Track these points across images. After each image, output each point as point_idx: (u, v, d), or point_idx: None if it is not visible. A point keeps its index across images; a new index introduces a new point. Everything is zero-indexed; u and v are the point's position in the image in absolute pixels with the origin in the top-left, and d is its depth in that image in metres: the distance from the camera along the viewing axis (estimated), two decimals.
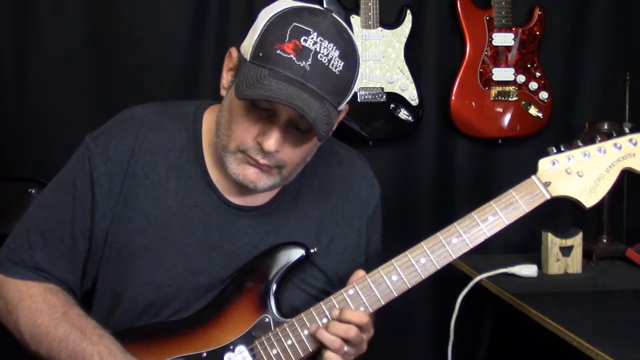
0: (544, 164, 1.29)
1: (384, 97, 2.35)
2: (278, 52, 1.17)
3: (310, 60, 1.17)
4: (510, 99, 2.41)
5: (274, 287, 1.30)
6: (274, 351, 1.28)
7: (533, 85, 2.42)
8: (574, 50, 2.51)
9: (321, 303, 1.28)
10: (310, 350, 1.28)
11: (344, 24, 1.24)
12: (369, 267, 1.34)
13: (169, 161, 1.32)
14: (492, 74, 2.40)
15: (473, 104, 2.41)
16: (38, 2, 2.25)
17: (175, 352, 1.29)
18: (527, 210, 1.28)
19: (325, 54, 1.18)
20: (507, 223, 1.29)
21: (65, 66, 2.28)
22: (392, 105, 2.36)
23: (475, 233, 1.28)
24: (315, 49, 1.17)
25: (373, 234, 1.46)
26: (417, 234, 1.36)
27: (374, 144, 2.36)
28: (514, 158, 2.48)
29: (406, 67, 2.36)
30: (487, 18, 2.40)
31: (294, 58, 1.17)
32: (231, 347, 1.29)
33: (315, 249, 1.32)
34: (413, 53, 2.38)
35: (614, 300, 1.83)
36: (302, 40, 1.17)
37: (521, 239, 2.24)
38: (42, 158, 2.26)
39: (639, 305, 1.79)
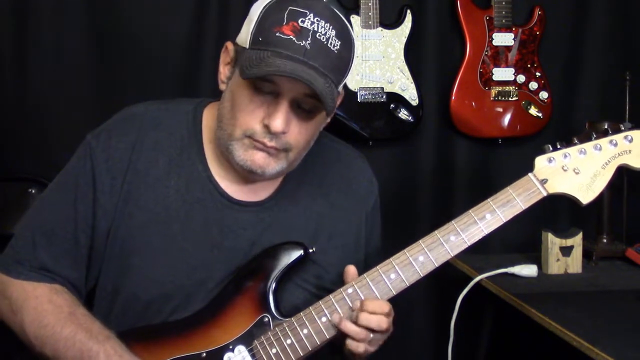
0: (540, 161, 1.29)
1: (384, 97, 2.35)
2: (277, 34, 1.19)
3: (309, 39, 1.20)
4: (510, 99, 2.41)
5: (273, 286, 1.30)
6: (274, 350, 1.28)
7: (533, 85, 2.42)
8: (574, 50, 2.51)
9: (320, 302, 1.29)
10: (310, 349, 1.28)
11: (335, 9, 1.26)
12: (369, 265, 1.34)
13: (170, 158, 1.33)
14: (492, 74, 2.40)
15: (473, 104, 2.41)
16: (38, 2, 2.26)
17: (175, 352, 1.29)
18: (524, 208, 1.29)
19: (323, 32, 1.20)
20: (505, 220, 1.29)
21: (65, 66, 2.28)
22: (392, 105, 2.36)
23: (473, 231, 1.28)
24: (313, 28, 1.20)
25: (372, 231, 1.46)
26: (416, 234, 1.36)
27: (374, 144, 2.36)
28: (514, 158, 2.47)
29: (406, 67, 2.36)
30: (487, 18, 2.40)
31: (294, 38, 1.19)
32: (231, 347, 1.29)
33: (314, 248, 1.33)
34: (413, 53, 2.38)
35: (614, 300, 1.83)
36: (299, 21, 1.19)
37: (521, 239, 2.25)
38: (42, 158, 2.26)
39: (639, 305, 1.79)
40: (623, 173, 1.32)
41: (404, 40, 2.36)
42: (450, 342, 1.96)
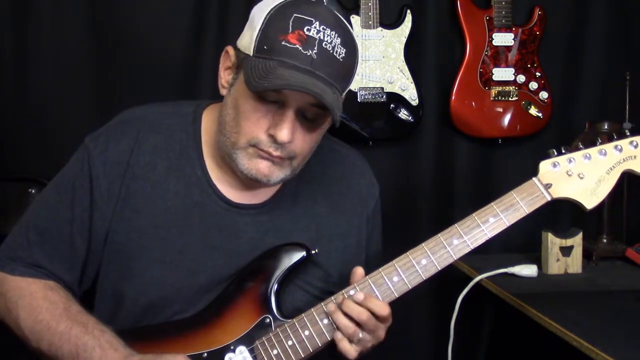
0: (545, 165, 1.29)
1: (384, 97, 2.35)
2: (283, 43, 1.18)
3: (316, 48, 1.19)
4: (510, 99, 2.42)
5: (275, 287, 1.30)
6: (275, 351, 1.28)
7: (533, 85, 2.42)
8: (574, 50, 2.51)
9: (322, 304, 1.29)
10: (311, 350, 1.28)
11: (337, 13, 1.26)
12: (370, 267, 1.34)
13: (169, 161, 1.32)
14: (492, 74, 2.40)
15: (473, 104, 2.41)
16: (38, 2, 2.25)
17: (177, 352, 1.29)
18: (527, 212, 1.29)
19: (329, 41, 1.20)
20: (508, 224, 1.29)
21: (65, 66, 2.28)
22: (392, 105, 2.36)
23: (476, 234, 1.28)
24: (320, 37, 1.19)
25: (373, 232, 1.46)
26: (417, 234, 1.37)
27: (374, 144, 2.36)
28: (514, 158, 2.48)
29: (406, 67, 2.36)
30: (487, 18, 2.40)
31: (300, 48, 1.18)
32: (232, 348, 1.29)
33: (317, 250, 1.32)
34: (413, 53, 2.38)
35: (614, 300, 1.83)
36: (305, 29, 1.19)
37: (521, 239, 2.24)
38: (42, 158, 2.26)
39: (639, 305, 1.79)
40: (623, 173, 1.32)
41: (404, 40, 2.36)
42: (450, 342, 1.96)
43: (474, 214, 1.29)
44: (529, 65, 2.42)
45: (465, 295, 1.91)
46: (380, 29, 2.34)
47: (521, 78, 2.41)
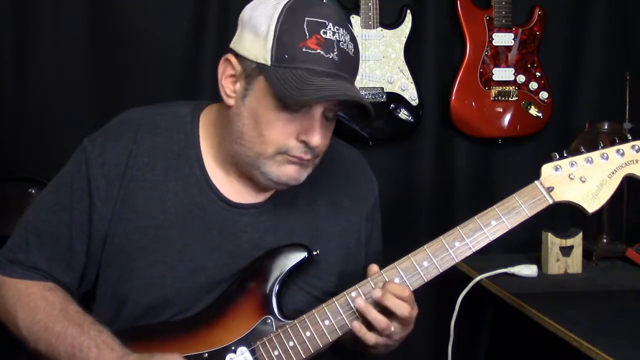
0: (547, 169, 1.29)
1: (384, 97, 2.35)
2: (304, 50, 1.19)
3: (336, 50, 1.20)
4: (510, 99, 2.42)
5: (276, 288, 1.30)
6: (276, 352, 1.28)
7: (533, 85, 2.42)
8: (574, 50, 2.51)
9: (323, 305, 1.29)
10: (312, 351, 1.28)
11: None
12: (368, 265, 1.34)
13: (167, 163, 1.32)
14: (492, 74, 2.41)
15: (473, 104, 2.41)
16: (38, 2, 2.25)
17: (177, 352, 1.28)
18: (529, 215, 1.29)
19: (343, 41, 1.21)
20: (510, 227, 1.29)
21: (65, 66, 2.28)
22: (392, 105, 2.36)
23: (478, 237, 1.28)
24: (336, 38, 1.20)
25: (373, 231, 1.46)
26: (417, 234, 1.37)
27: (374, 144, 2.36)
28: (514, 158, 2.48)
29: (406, 67, 2.36)
30: (487, 18, 2.40)
31: (322, 52, 1.19)
32: (233, 348, 1.29)
33: (318, 251, 1.32)
34: (413, 53, 2.38)
35: (614, 300, 1.83)
36: (321, 33, 1.20)
37: (521, 239, 2.24)
38: (42, 158, 2.26)
39: (639, 305, 1.79)
40: (625, 177, 1.32)
41: (404, 40, 2.36)
42: (450, 342, 1.96)
43: (476, 217, 1.29)
44: (529, 65, 2.42)
45: (465, 295, 1.91)
46: (380, 29, 2.34)
47: (521, 78, 2.41)
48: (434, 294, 2.40)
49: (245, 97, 1.25)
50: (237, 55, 1.25)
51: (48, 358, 1.29)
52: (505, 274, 2.00)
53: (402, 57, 2.36)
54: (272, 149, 1.24)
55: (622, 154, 1.29)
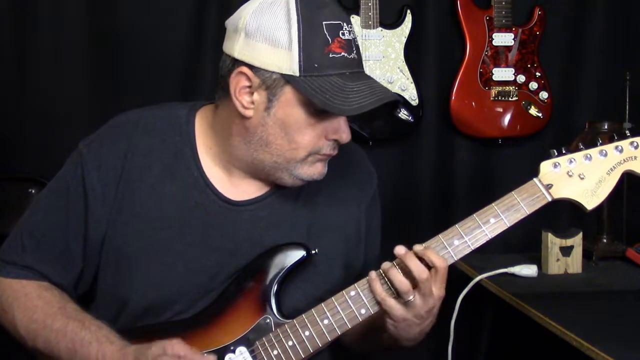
0: (545, 166, 1.29)
1: None
2: (331, 55, 1.21)
3: (354, 49, 1.24)
4: (510, 99, 2.42)
5: (275, 287, 1.30)
6: (275, 352, 1.28)
7: (533, 85, 2.42)
8: (574, 50, 2.51)
9: (322, 304, 1.28)
10: (311, 350, 1.28)
11: None
12: (368, 255, 1.36)
13: (163, 164, 1.32)
14: (492, 74, 2.41)
15: (473, 104, 2.41)
16: (38, 2, 2.25)
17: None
18: (528, 213, 1.28)
19: (354, 37, 1.24)
20: (509, 225, 1.29)
21: (65, 66, 2.28)
22: None
23: (476, 235, 1.28)
24: (352, 37, 1.24)
25: (372, 222, 1.46)
26: (417, 234, 1.36)
27: (374, 144, 2.36)
28: (514, 158, 2.48)
29: (406, 67, 2.36)
30: (487, 18, 2.40)
31: (345, 54, 1.22)
32: (232, 348, 1.29)
33: (316, 250, 1.32)
34: (413, 53, 2.38)
35: (614, 300, 1.83)
36: (340, 35, 1.22)
37: (521, 239, 2.24)
38: (42, 158, 2.26)
39: (639, 305, 1.79)
40: (624, 174, 1.32)
41: (404, 40, 2.36)
42: (450, 342, 1.96)
43: (474, 215, 1.29)
44: (529, 65, 2.42)
45: (465, 295, 1.91)
46: (380, 29, 2.34)
47: (521, 78, 2.41)
48: None
49: (270, 108, 1.24)
50: (251, 67, 1.24)
51: (47, 356, 1.29)
52: (505, 274, 2.00)
53: (402, 57, 2.36)
54: (304, 152, 1.26)
55: (621, 151, 1.29)
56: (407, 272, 1.23)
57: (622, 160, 1.29)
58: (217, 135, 1.33)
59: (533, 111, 2.42)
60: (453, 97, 2.40)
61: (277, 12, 1.22)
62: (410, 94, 2.36)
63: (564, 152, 1.29)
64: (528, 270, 2.00)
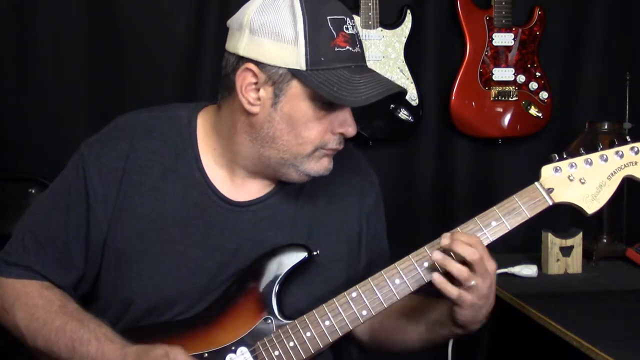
0: (546, 170, 1.29)
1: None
2: (337, 49, 1.22)
3: (358, 43, 1.25)
4: (510, 99, 2.42)
5: (276, 288, 1.30)
6: (276, 352, 1.28)
7: (533, 85, 2.42)
8: (574, 50, 2.51)
9: (324, 305, 1.28)
10: (312, 351, 1.28)
11: None
12: (376, 259, 1.36)
13: (165, 165, 1.33)
14: (492, 74, 2.41)
15: (473, 104, 2.41)
16: (38, 2, 2.25)
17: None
18: (529, 216, 1.29)
19: (357, 32, 1.26)
20: (510, 228, 1.29)
21: (65, 66, 2.28)
22: (392, 105, 2.36)
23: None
24: (355, 31, 1.25)
25: (376, 223, 1.46)
26: (417, 234, 1.36)
27: (374, 144, 2.37)
28: (514, 158, 2.48)
29: (406, 67, 2.36)
30: (487, 18, 2.40)
31: (350, 48, 1.23)
32: (233, 348, 1.29)
33: (318, 251, 1.33)
34: (413, 53, 2.38)
35: (614, 300, 1.83)
36: (344, 29, 1.23)
37: (521, 239, 2.25)
38: (42, 158, 2.26)
39: (639, 305, 1.79)
40: (624, 179, 1.32)
41: (404, 40, 2.36)
42: (450, 342, 1.96)
43: (476, 218, 1.29)
44: (529, 65, 2.42)
45: None
46: (380, 29, 2.34)
47: (521, 78, 2.41)
48: (434, 295, 2.40)
49: (276, 103, 1.25)
50: (257, 63, 1.24)
51: (47, 354, 1.29)
52: (505, 274, 2.00)
53: (402, 57, 2.36)
54: (311, 147, 1.27)
55: (622, 156, 1.29)
56: (459, 259, 1.22)
57: (623, 166, 1.29)
58: (220, 135, 1.33)
59: (533, 111, 2.42)
60: (453, 97, 2.40)
61: (282, 8, 1.22)
62: (410, 94, 2.36)
63: (564, 156, 1.30)
64: (528, 270, 2.01)
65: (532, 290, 1.91)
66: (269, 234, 1.34)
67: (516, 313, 1.82)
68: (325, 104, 1.23)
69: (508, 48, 2.41)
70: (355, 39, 1.24)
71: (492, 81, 2.41)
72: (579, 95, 2.51)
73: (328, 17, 1.21)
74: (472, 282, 1.22)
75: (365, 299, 1.27)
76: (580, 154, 1.29)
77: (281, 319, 1.30)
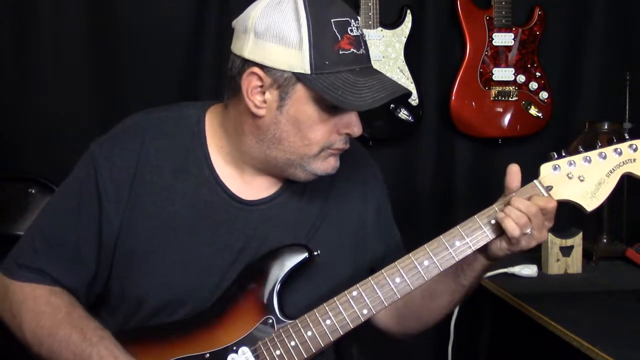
0: (545, 168, 1.30)
1: None
2: (341, 52, 1.22)
3: (363, 45, 1.25)
4: (510, 99, 2.42)
5: (277, 288, 1.31)
6: (277, 352, 1.28)
7: (533, 85, 2.42)
8: (574, 50, 2.51)
9: (325, 304, 1.29)
10: (314, 350, 1.29)
11: None
12: (392, 252, 1.38)
13: (175, 165, 1.33)
14: (492, 74, 2.41)
15: (473, 104, 2.41)
16: (38, 2, 2.25)
17: (178, 353, 1.29)
18: None
19: (362, 33, 1.26)
20: None
21: (65, 66, 2.28)
22: (392, 105, 2.36)
23: (478, 236, 1.28)
24: (360, 33, 1.25)
25: (385, 213, 1.47)
26: (417, 234, 1.37)
27: (374, 144, 2.36)
28: (514, 158, 2.44)
29: (406, 67, 2.36)
30: (487, 18, 2.40)
31: (354, 50, 1.23)
32: (234, 348, 1.29)
33: (319, 252, 1.33)
34: (413, 53, 2.38)
35: (614, 300, 1.83)
36: (349, 31, 1.23)
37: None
38: (42, 158, 2.26)
39: (639, 305, 1.80)
40: (623, 176, 1.33)
41: (404, 40, 2.36)
42: (450, 342, 1.97)
43: (475, 216, 1.29)
44: (529, 65, 2.42)
45: None
46: (380, 29, 2.34)
47: (521, 78, 2.41)
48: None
49: (282, 106, 1.25)
50: (262, 67, 1.24)
51: None
52: (505, 274, 2.00)
53: (402, 57, 2.36)
54: (317, 148, 1.27)
55: (620, 153, 1.30)
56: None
57: (621, 163, 1.30)
58: (228, 134, 1.34)
59: (533, 111, 2.42)
60: (453, 97, 2.40)
61: (286, 11, 1.22)
62: None
63: (563, 154, 1.30)
64: (528, 270, 2.01)
65: (532, 290, 1.91)
66: (276, 233, 1.34)
67: (516, 313, 1.82)
68: (330, 106, 1.24)
69: (508, 48, 2.41)
70: (360, 41, 1.24)
71: (492, 81, 2.41)
72: (579, 95, 2.51)
73: (332, 20, 1.21)
74: (528, 230, 1.24)
75: (365, 298, 1.28)
76: (579, 152, 1.29)
77: (282, 318, 1.30)
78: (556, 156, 1.30)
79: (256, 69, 1.24)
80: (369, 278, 1.29)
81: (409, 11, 2.37)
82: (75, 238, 1.32)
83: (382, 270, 1.29)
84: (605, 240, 2.15)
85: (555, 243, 2.02)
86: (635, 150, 1.29)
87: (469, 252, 1.28)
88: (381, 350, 1.39)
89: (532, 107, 2.42)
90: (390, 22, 2.37)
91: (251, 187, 1.35)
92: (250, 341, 1.29)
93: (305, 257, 1.31)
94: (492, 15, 2.40)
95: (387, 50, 2.35)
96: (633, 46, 2.53)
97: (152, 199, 1.31)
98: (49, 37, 2.26)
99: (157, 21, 2.31)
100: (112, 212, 1.31)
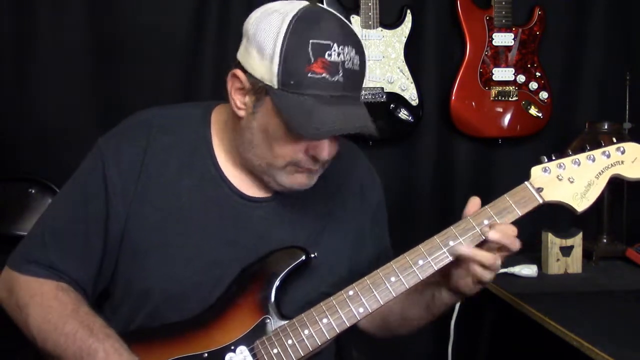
0: (536, 171, 1.32)
1: (384, 97, 2.35)
2: (310, 75, 1.19)
3: (341, 72, 1.20)
4: (510, 99, 2.42)
5: (275, 289, 1.31)
6: (275, 350, 1.28)
7: (533, 85, 2.42)
8: (574, 50, 2.51)
9: (321, 303, 1.29)
10: (310, 349, 1.29)
11: (337, 14, 1.26)
12: (382, 256, 1.36)
13: (181, 161, 1.34)
14: (492, 73, 2.41)
15: (473, 104, 2.41)
16: (38, 2, 2.26)
17: (177, 353, 1.29)
18: (520, 214, 1.31)
19: (348, 59, 1.21)
20: None
21: (65, 66, 2.28)
22: (392, 105, 2.36)
23: (471, 236, 1.29)
24: (341, 59, 1.20)
25: (380, 221, 1.47)
26: (416, 234, 1.36)
27: (374, 144, 2.36)
28: (514, 158, 2.48)
29: (406, 67, 2.36)
30: (487, 18, 2.40)
31: (326, 76, 1.19)
32: (232, 348, 1.29)
33: (316, 254, 1.33)
34: (413, 53, 2.38)
35: (614, 300, 1.84)
36: (326, 56, 1.19)
37: (521, 239, 2.24)
38: (42, 158, 2.26)
39: (639, 305, 1.79)
40: (612, 178, 1.34)
41: (404, 40, 2.36)
42: (450, 342, 1.96)
43: (469, 217, 1.31)
44: (529, 65, 2.42)
45: None
46: (380, 29, 2.34)
47: (521, 78, 2.41)
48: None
49: (255, 113, 1.26)
50: (244, 70, 1.25)
51: (55, 358, 1.29)
52: (505, 274, 2.00)
53: (402, 57, 2.36)
54: (282, 161, 1.27)
55: (608, 156, 1.32)
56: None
57: (610, 165, 1.32)
58: (229, 135, 1.35)
59: (533, 111, 2.42)
60: (453, 97, 2.40)
61: (272, 22, 1.22)
62: (410, 94, 2.37)
63: (553, 157, 1.32)
64: (528, 270, 2.01)
65: (532, 290, 1.91)
66: (279, 231, 1.35)
67: (516, 313, 1.82)
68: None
69: (508, 48, 2.41)
70: (337, 67, 1.19)
71: (492, 81, 2.41)
72: (579, 95, 2.51)
73: (311, 41, 1.19)
74: (498, 262, 1.27)
75: (362, 297, 1.28)
76: (568, 155, 1.32)
77: (280, 318, 1.30)
78: (546, 159, 1.33)
79: (238, 72, 1.26)
80: (365, 277, 1.29)
81: (409, 11, 2.37)
82: (84, 230, 1.32)
83: (378, 270, 1.29)
84: (605, 240, 2.15)
85: (555, 243, 2.02)
86: (622, 152, 1.32)
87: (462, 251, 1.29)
88: (380, 349, 1.39)
89: (532, 107, 2.42)
90: (390, 22, 2.37)
91: (254, 185, 1.36)
92: (248, 340, 1.29)
93: (303, 259, 1.32)
94: (492, 15, 2.40)
95: (387, 50, 2.35)
96: (633, 46, 2.53)
97: (158, 193, 1.32)
98: (49, 37, 2.27)
99: (157, 21, 2.32)
100: (119, 205, 1.31)
